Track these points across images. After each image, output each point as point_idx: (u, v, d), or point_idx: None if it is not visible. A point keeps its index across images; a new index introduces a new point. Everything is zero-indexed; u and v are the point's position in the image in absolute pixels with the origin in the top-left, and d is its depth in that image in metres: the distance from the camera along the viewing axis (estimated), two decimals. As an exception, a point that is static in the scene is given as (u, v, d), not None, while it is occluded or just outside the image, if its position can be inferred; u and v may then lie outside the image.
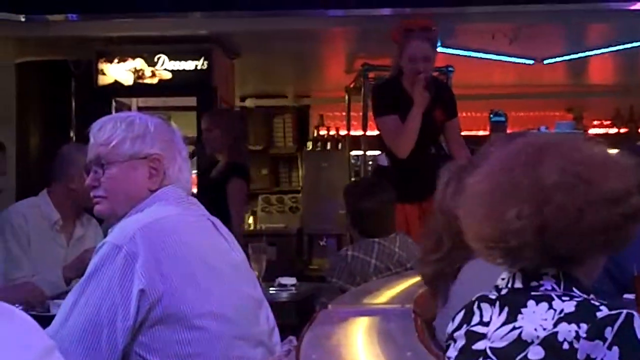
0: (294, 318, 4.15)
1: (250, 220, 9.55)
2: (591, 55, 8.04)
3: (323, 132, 9.93)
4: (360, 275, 4.04)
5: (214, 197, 5.36)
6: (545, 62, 8.08)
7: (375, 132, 5.27)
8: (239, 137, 6.01)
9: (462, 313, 1.79)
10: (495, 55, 7.69)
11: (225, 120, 6.00)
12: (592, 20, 7.07)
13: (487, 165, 1.82)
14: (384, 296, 2.77)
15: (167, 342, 2.15)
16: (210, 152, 5.91)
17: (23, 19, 6.77)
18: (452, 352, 1.76)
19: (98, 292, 2.13)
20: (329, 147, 9.80)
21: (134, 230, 2.17)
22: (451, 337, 1.79)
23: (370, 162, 8.68)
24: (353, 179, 8.18)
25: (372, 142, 7.97)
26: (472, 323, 1.74)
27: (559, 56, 8.02)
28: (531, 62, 8.06)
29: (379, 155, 5.40)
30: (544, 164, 1.71)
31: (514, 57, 7.86)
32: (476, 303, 1.77)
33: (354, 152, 8.63)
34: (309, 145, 9.93)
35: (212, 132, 5.77)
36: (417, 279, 3.07)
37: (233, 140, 5.76)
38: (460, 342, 1.75)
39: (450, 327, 1.81)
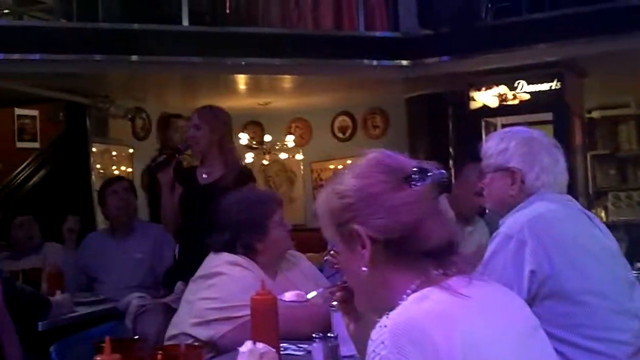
0: None
1: (602, 214, 9.04)
2: None
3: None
4: None
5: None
6: None
7: None
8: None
9: None
10: None
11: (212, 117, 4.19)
12: None
13: None
14: None
15: (555, 314, 2.10)
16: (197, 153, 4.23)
17: (406, 64, 7.05)
18: None
19: (495, 273, 2.14)
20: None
21: (522, 223, 2.17)
22: None
23: None
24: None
25: None
26: None
27: None
28: None
29: None
30: None
31: None
32: None
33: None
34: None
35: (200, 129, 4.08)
36: None
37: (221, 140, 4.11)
38: None
39: None
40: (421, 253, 1.35)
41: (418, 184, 1.38)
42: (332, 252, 1.60)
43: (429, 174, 1.39)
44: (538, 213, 2.21)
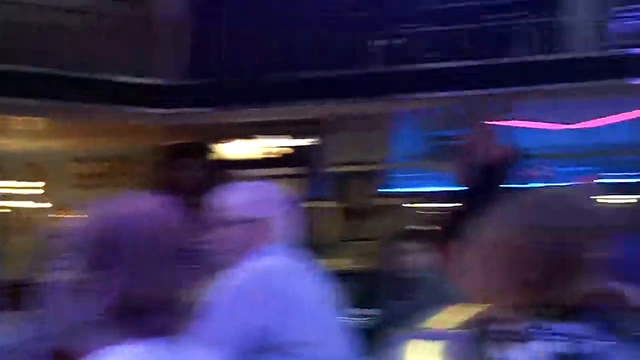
0: (372, 342, 3.98)
1: (338, 261, 9.16)
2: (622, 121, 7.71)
3: (396, 189, 9.76)
4: None
5: None
6: (583, 126, 7.81)
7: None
8: None
9: None
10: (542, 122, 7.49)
11: None
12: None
13: None
14: (446, 321, 2.60)
15: None
16: None
17: (162, 112, 6.89)
18: None
19: (213, 324, 2.08)
20: (401, 202, 9.60)
21: (245, 275, 2.17)
22: None
23: (438, 212, 8.50)
24: None
25: (435, 197, 7.74)
26: None
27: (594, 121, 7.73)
28: (571, 126, 7.78)
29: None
30: None
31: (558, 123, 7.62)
32: None
33: (420, 205, 8.50)
34: (385, 201, 9.70)
35: None
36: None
37: None
38: None
39: None
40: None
41: None
42: None
43: None
44: (265, 266, 2.21)
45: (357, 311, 4.83)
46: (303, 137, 7.34)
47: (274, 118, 7.14)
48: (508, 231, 1.56)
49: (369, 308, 4.91)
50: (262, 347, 2.10)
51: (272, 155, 7.37)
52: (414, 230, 4.68)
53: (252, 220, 2.32)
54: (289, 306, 2.15)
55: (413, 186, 8.50)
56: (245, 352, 2.08)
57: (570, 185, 8.00)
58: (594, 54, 6.56)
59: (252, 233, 2.32)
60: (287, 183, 7.34)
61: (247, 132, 7.42)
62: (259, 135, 7.36)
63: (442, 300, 3.74)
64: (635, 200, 4.43)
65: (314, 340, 2.16)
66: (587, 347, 1.48)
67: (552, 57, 6.70)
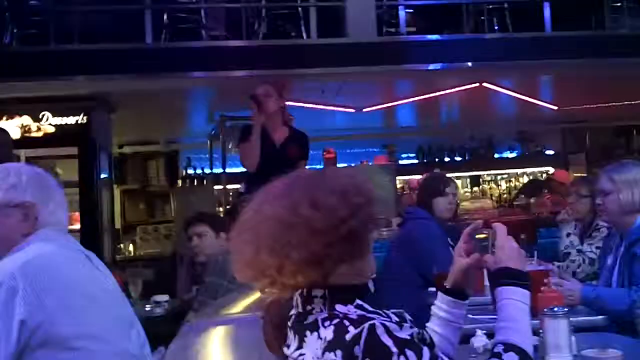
0: (167, 330, 3.97)
1: (131, 247, 9.21)
2: (399, 104, 8.19)
3: (190, 171, 9.71)
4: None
5: None
6: (364, 110, 8.19)
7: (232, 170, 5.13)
8: None
9: None
10: (325, 106, 7.73)
11: None
12: (399, 77, 7.23)
13: None
14: (239, 306, 2.65)
15: None
16: None
17: None
18: None
19: None
20: (196, 183, 9.58)
21: (13, 268, 2.00)
22: None
23: (231, 193, 8.57)
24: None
25: (230, 178, 7.90)
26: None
27: (374, 105, 8.13)
28: (353, 110, 8.14)
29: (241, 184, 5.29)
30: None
31: (340, 106, 7.93)
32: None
33: (216, 187, 8.54)
34: (179, 183, 9.70)
35: None
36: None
37: None
38: None
39: None
40: None
41: None
42: None
43: None
44: (32, 256, 2.05)
45: (153, 298, 4.73)
46: (71, 114, 6.96)
47: (37, 94, 6.72)
48: (280, 210, 1.55)
49: (165, 294, 4.81)
50: (36, 344, 1.95)
51: (51, 134, 6.93)
52: (206, 214, 4.62)
53: (6, 206, 2.15)
54: (60, 298, 2.02)
55: (212, 167, 8.46)
56: (13, 353, 1.93)
57: (352, 165, 8.42)
58: (372, 39, 6.82)
59: (10, 220, 2.14)
60: (69, 164, 7.01)
61: (11, 109, 6.91)
62: (34, 111, 6.89)
63: (237, 284, 3.74)
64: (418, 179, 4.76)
65: (95, 332, 2.05)
66: (370, 329, 1.47)
67: (331, 40, 6.88)
